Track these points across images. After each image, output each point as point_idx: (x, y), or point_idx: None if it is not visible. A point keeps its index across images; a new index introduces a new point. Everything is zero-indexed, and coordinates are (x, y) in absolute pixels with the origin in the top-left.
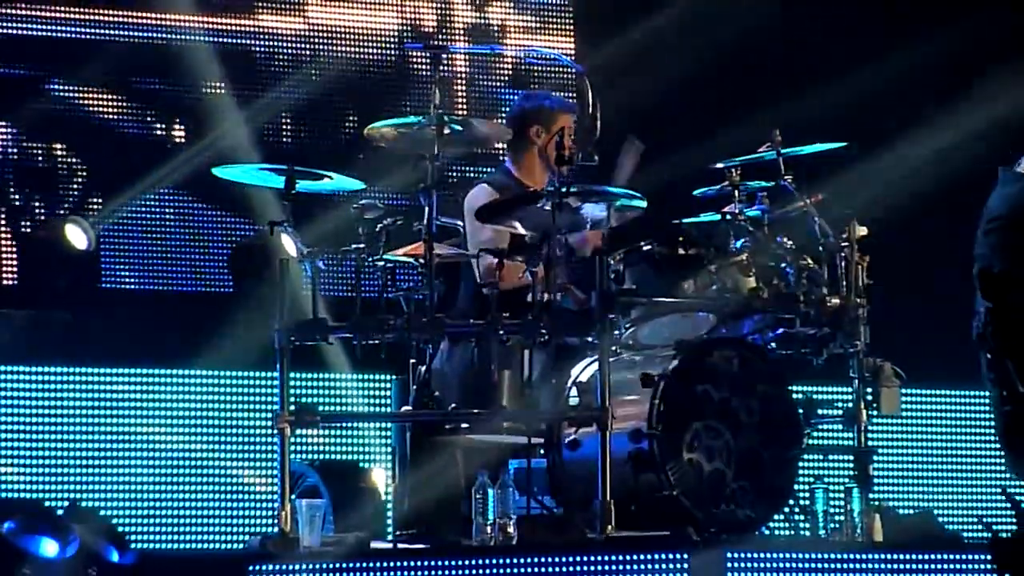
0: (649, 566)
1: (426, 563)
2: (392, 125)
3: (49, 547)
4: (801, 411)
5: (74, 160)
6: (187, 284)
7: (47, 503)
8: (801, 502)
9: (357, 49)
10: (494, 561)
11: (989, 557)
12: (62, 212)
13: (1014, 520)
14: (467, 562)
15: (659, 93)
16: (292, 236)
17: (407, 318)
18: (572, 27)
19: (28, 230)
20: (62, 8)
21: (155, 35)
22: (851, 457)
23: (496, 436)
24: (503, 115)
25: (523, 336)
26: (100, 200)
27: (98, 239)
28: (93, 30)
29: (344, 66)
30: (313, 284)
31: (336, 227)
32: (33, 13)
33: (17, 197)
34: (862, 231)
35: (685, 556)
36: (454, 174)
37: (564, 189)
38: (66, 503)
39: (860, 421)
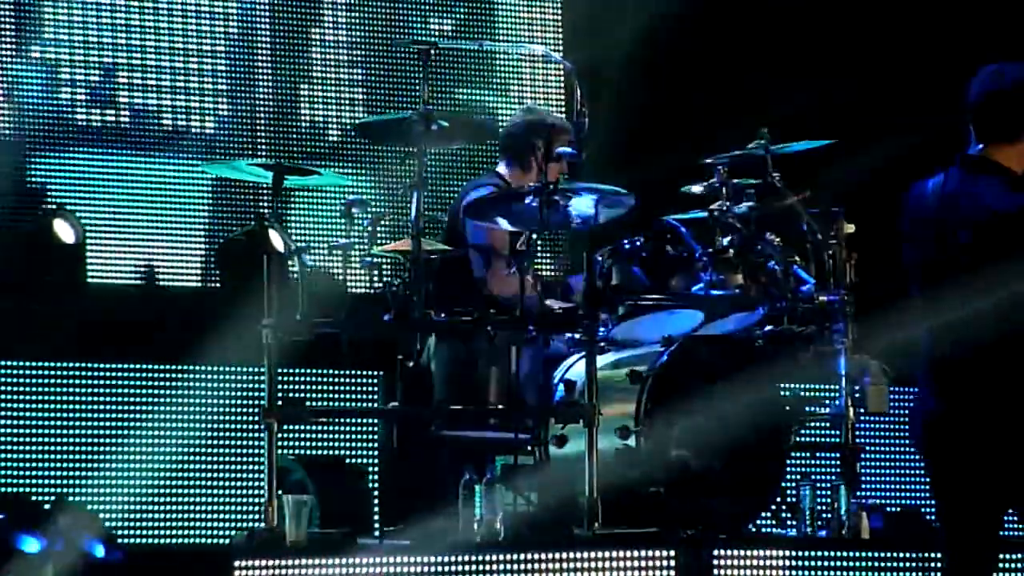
0: (637, 563)
1: (412, 559)
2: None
3: (33, 545)
4: (788, 408)
5: None
6: (174, 279)
7: (33, 498)
8: (788, 499)
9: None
10: (481, 558)
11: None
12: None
13: None
14: (454, 558)
15: (647, 90)
16: (280, 231)
17: (395, 314)
18: (560, 23)
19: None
20: None
21: None
22: (838, 454)
23: (483, 432)
24: (492, 115)
25: (511, 333)
26: None
27: (85, 233)
28: None
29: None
30: (301, 280)
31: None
32: None
33: None
34: (850, 228)
35: (672, 553)
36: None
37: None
38: (52, 498)
39: (847, 418)
